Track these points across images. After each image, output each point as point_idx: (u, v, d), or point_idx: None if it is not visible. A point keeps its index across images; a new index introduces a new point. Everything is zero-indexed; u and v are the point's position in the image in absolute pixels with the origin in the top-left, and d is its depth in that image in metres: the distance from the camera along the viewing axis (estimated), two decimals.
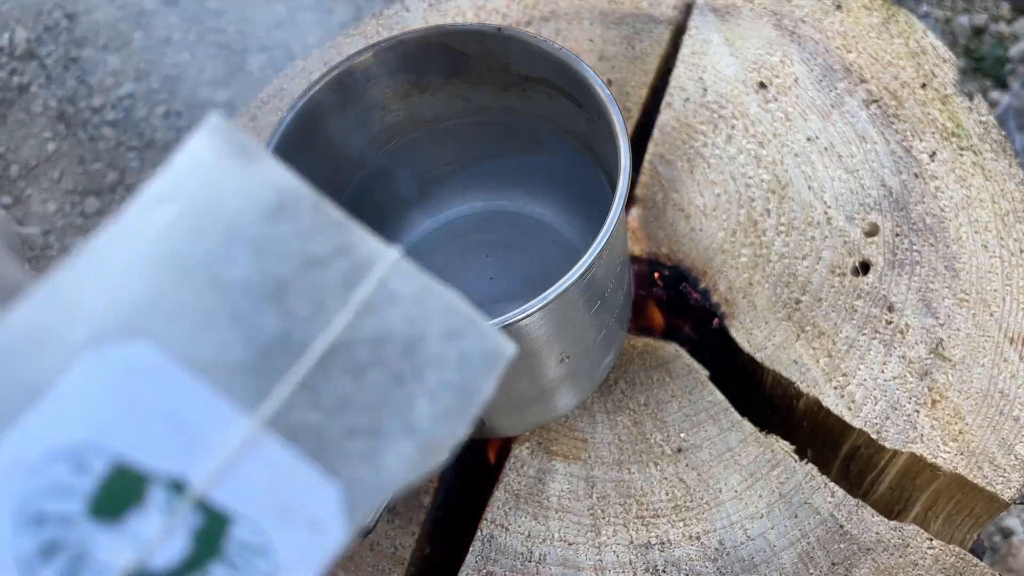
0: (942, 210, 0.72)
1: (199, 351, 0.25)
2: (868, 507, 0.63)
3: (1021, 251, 0.70)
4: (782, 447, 0.66)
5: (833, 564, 0.61)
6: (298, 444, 0.27)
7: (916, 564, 0.61)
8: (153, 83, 1.73)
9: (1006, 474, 0.63)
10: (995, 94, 1.53)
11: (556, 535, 0.64)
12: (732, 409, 0.67)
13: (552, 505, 0.65)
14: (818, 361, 0.68)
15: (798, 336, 0.69)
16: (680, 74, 0.81)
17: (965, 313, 0.68)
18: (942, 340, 0.67)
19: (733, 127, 0.78)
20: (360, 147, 0.67)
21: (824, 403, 0.66)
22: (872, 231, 0.72)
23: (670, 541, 0.63)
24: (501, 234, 0.72)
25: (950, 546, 0.61)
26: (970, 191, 0.73)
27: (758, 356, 0.69)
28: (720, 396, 0.68)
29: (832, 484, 0.64)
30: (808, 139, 0.76)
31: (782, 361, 0.68)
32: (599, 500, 0.65)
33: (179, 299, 0.25)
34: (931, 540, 0.62)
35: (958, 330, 0.67)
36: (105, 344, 0.25)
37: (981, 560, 0.61)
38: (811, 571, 0.61)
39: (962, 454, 0.63)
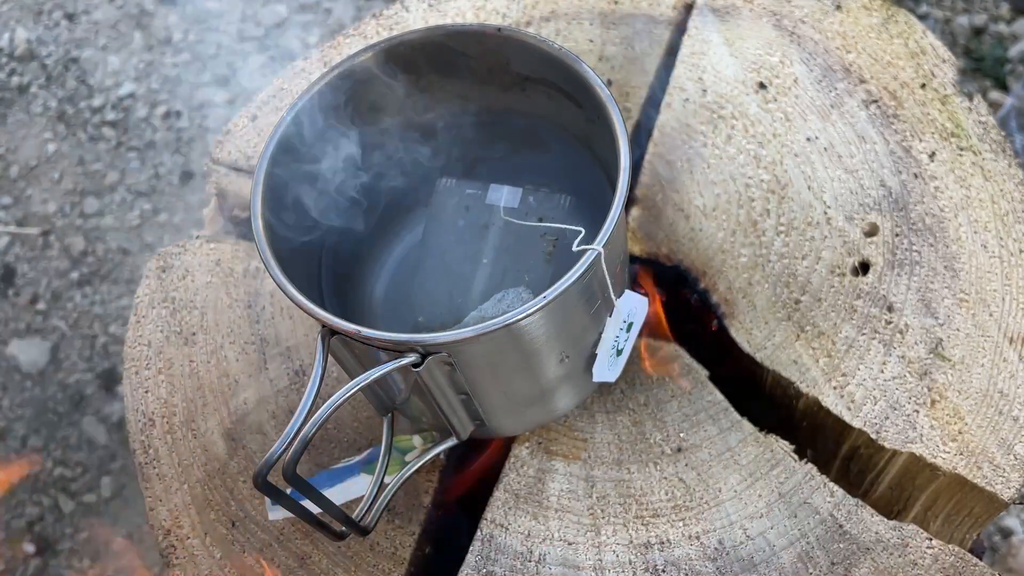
0: (941, 210, 0.72)
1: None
2: (867, 507, 0.63)
3: (1021, 251, 0.70)
4: (782, 447, 0.66)
5: (832, 564, 0.61)
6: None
7: (915, 564, 0.61)
8: (153, 83, 1.73)
9: (1006, 474, 0.63)
10: (996, 95, 1.53)
11: (556, 535, 0.64)
12: (732, 409, 0.68)
13: (552, 505, 0.65)
14: (818, 361, 0.68)
15: (798, 336, 0.69)
16: (680, 74, 0.81)
17: (964, 313, 0.68)
18: (941, 340, 0.67)
19: (733, 127, 0.78)
20: (360, 148, 0.67)
21: (824, 403, 0.66)
22: (872, 231, 0.72)
23: (670, 541, 0.63)
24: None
25: (950, 546, 0.61)
26: (969, 191, 0.73)
27: (758, 356, 0.69)
28: (720, 396, 0.68)
29: (832, 484, 0.64)
30: (808, 139, 0.77)
31: (782, 361, 0.68)
32: (599, 500, 0.65)
33: None
34: (931, 540, 0.62)
35: (957, 330, 0.67)
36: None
37: (981, 560, 0.61)
38: (810, 571, 0.61)
39: (962, 454, 0.63)
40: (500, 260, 0.66)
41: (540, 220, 0.67)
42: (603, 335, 0.60)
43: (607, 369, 0.63)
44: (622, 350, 0.63)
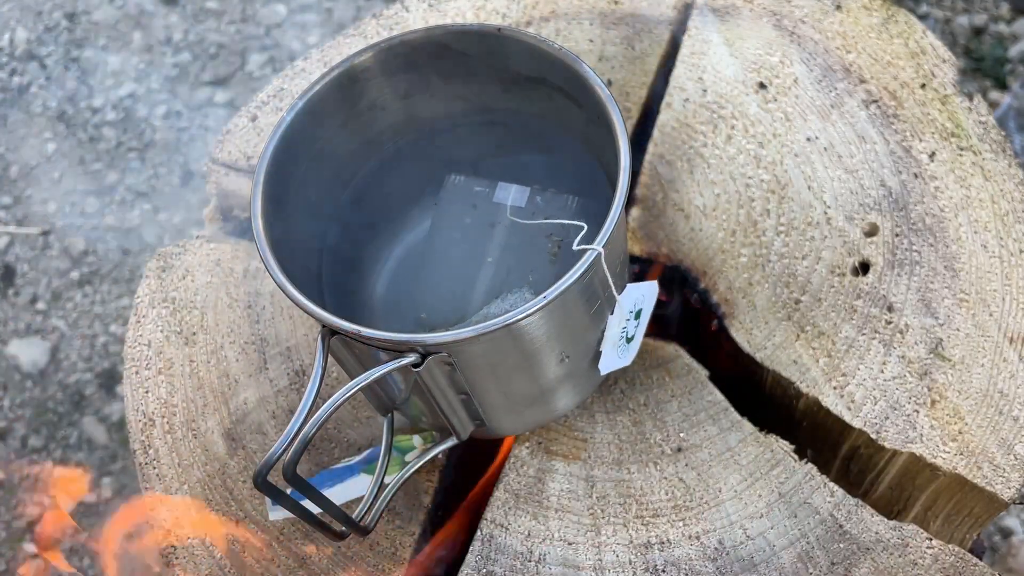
0: (942, 210, 0.72)
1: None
2: (868, 507, 0.63)
3: (1021, 251, 0.70)
4: (782, 447, 0.66)
5: (832, 564, 0.61)
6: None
7: (915, 564, 0.61)
8: (153, 83, 1.73)
9: (1006, 474, 0.63)
10: (996, 95, 1.53)
11: (556, 535, 0.64)
12: (732, 409, 0.68)
13: (552, 505, 0.65)
14: (818, 361, 0.68)
15: (798, 336, 0.69)
16: (680, 74, 0.81)
17: (965, 313, 0.68)
18: (941, 340, 0.67)
19: (733, 127, 0.78)
20: (360, 147, 0.67)
21: (824, 403, 0.66)
22: (872, 231, 0.72)
23: (670, 541, 0.63)
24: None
25: (950, 546, 0.61)
26: (969, 191, 0.73)
27: (758, 356, 0.69)
28: (720, 396, 0.68)
29: (832, 484, 0.64)
30: (808, 139, 0.77)
31: (782, 361, 0.68)
32: (599, 500, 0.65)
33: None
34: (931, 540, 0.62)
35: (957, 330, 0.67)
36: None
37: (981, 560, 0.61)
38: (810, 571, 0.61)
39: (962, 454, 0.63)
40: (505, 259, 0.66)
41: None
42: (605, 333, 0.60)
43: (617, 358, 0.63)
44: (632, 337, 0.64)
